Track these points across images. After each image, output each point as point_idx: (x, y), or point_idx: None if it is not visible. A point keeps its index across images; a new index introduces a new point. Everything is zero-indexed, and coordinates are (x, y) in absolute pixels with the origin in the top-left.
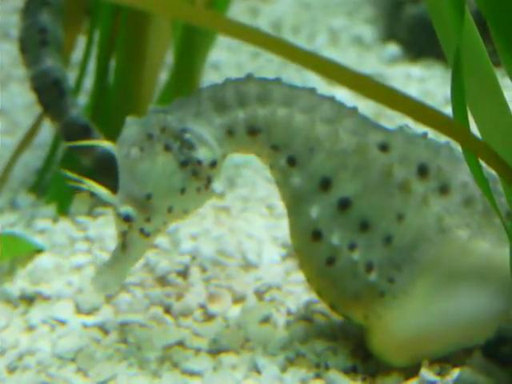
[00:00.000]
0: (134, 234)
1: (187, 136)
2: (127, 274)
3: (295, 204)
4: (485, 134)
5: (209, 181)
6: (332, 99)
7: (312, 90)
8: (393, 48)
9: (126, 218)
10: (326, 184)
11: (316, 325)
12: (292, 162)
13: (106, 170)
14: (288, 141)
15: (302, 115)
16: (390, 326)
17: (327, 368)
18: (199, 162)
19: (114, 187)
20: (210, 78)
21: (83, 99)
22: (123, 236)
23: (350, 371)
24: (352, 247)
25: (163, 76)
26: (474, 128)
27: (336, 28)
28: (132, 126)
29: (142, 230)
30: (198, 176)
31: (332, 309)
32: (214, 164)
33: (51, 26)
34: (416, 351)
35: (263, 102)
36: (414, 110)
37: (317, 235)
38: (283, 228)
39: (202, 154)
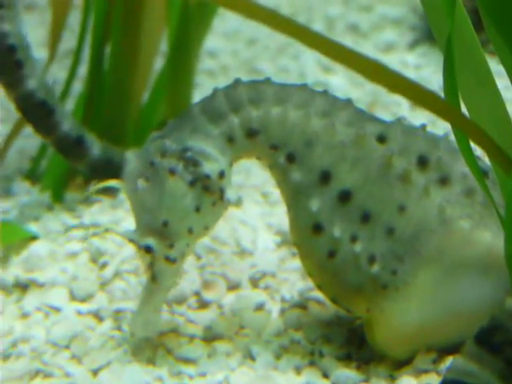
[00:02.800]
0: (160, 263)
1: (188, 154)
2: (163, 306)
3: (295, 199)
4: (477, 122)
5: (222, 192)
6: (325, 93)
7: (303, 86)
8: (389, 36)
9: (148, 250)
10: (325, 177)
11: (310, 312)
12: (291, 158)
13: (100, 175)
14: (286, 138)
15: (297, 111)
16: (393, 319)
17: (321, 355)
18: (208, 177)
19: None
20: (206, 65)
21: (78, 87)
22: (150, 268)
23: (345, 358)
24: (353, 239)
25: (158, 63)
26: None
27: (332, 16)
28: (133, 160)
29: (167, 258)
30: (209, 190)
31: (333, 302)
32: (222, 174)
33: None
34: (418, 343)
35: (256, 103)
36: (411, 91)
37: (318, 228)
38: (278, 215)
39: (208, 167)
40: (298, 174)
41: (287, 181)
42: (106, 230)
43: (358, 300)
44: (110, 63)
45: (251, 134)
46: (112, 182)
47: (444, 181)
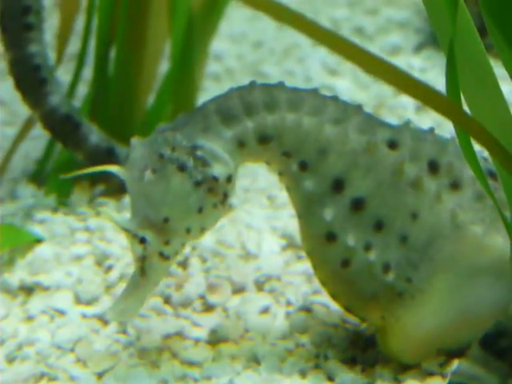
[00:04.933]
0: (153, 258)
1: (199, 153)
2: (147, 300)
3: (308, 207)
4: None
5: (225, 196)
6: (336, 99)
7: (315, 91)
8: (394, 39)
9: (142, 241)
10: (338, 185)
11: (315, 315)
12: (304, 166)
13: (99, 164)
14: (299, 146)
15: (310, 118)
16: (408, 327)
17: (326, 358)
18: (215, 179)
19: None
20: (211, 68)
21: (83, 90)
22: (141, 261)
23: (350, 362)
24: (367, 248)
25: (164, 67)
26: None
27: (337, 19)
28: (139, 148)
29: (161, 254)
30: (214, 192)
31: (347, 311)
32: (229, 179)
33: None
34: (432, 348)
35: (270, 109)
36: (417, 90)
37: (331, 237)
38: (283, 219)
39: (217, 170)
40: (311, 183)
41: (299, 189)
42: (99, 214)
43: (373, 308)
44: (115, 66)
45: (264, 140)
46: (112, 168)
47: (455, 185)
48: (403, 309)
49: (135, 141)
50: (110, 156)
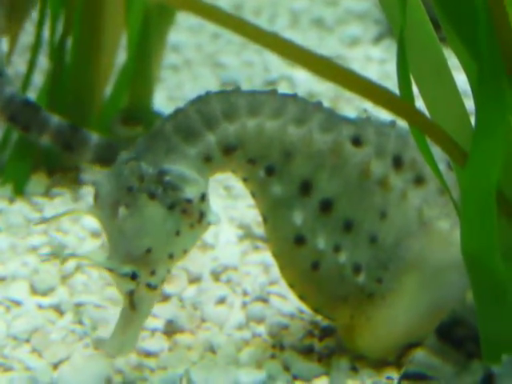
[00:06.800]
0: (141, 291)
1: (167, 178)
2: (140, 331)
3: (276, 211)
4: (434, 116)
5: (202, 215)
6: (295, 97)
7: (273, 92)
8: (354, 30)
9: (134, 277)
10: (306, 187)
11: (272, 305)
12: (270, 171)
13: (67, 144)
14: (263, 151)
15: (272, 122)
16: (379, 326)
17: (283, 348)
18: (189, 201)
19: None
20: (170, 59)
21: (40, 80)
22: (130, 295)
23: (306, 351)
24: (337, 249)
25: (121, 58)
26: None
27: (297, 10)
28: (105, 184)
29: (149, 285)
30: (188, 213)
31: (315, 311)
32: (203, 197)
33: None
34: (401, 344)
35: (230, 117)
36: (366, 89)
37: (300, 240)
38: (240, 209)
39: (190, 192)
40: (279, 187)
41: (266, 194)
42: (75, 256)
43: (343, 309)
44: (72, 57)
45: (228, 150)
46: (81, 211)
47: (419, 180)
48: (374, 309)
49: (100, 177)
50: (74, 132)
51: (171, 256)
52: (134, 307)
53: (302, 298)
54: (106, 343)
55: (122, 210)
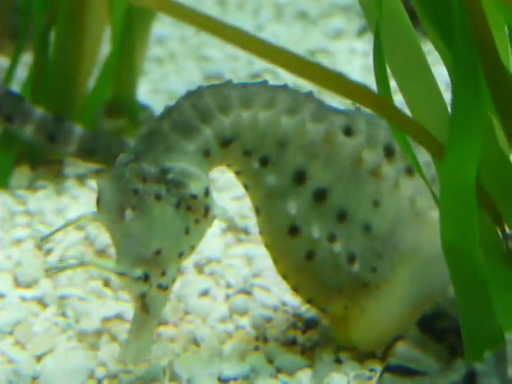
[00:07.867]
0: (153, 292)
1: (170, 176)
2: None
3: (270, 202)
4: (413, 109)
5: (207, 209)
6: (285, 88)
7: (264, 84)
8: (337, 23)
9: (146, 279)
10: (300, 177)
11: (255, 298)
12: (264, 162)
13: (50, 136)
14: (258, 142)
15: (265, 112)
16: (374, 317)
17: (266, 341)
18: (194, 197)
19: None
20: (154, 52)
21: (22, 74)
22: (142, 298)
23: (290, 344)
24: (332, 239)
25: (105, 50)
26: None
27: (281, 3)
28: (107, 189)
29: (160, 286)
30: (193, 209)
31: (308, 303)
32: (207, 192)
33: None
34: (393, 336)
35: (224, 110)
36: (342, 86)
37: (294, 230)
38: (224, 201)
39: (194, 187)
40: (273, 177)
41: (260, 185)
42: (83, 264)
43: (337, 299)
44: (55, 49)
45: (226, 143)
46: (87, 215)
47: (411, 171)
48: (369, 299)
49: (102, 182)
50: (58, 124)
51: (181, 255)
52: (146, 310)
53: (295, 289)
54: (121, 352)
55: (128, 213)
